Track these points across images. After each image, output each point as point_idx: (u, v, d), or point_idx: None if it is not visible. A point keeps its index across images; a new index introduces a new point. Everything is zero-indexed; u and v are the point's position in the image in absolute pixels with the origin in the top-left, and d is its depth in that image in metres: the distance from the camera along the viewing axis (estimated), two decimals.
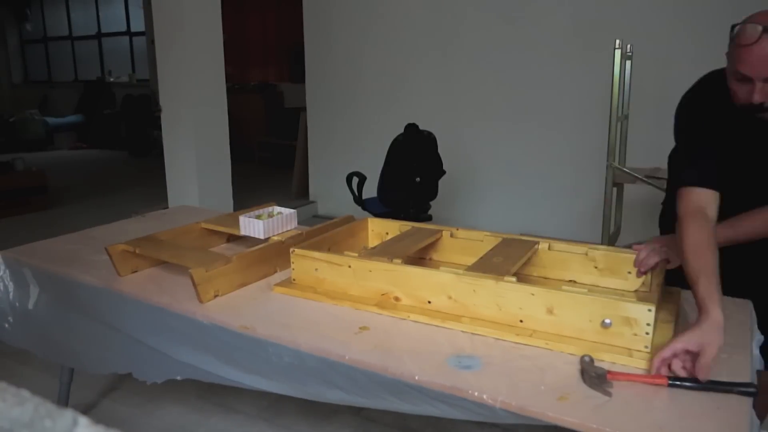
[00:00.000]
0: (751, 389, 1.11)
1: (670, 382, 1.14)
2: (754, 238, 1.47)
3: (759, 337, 1.43)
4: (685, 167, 1.49)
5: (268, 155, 7.87)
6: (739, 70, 1.35)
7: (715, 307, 1.18)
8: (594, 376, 1.16)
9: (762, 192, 1.49)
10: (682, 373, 1.15)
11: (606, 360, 1.24)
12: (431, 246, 1.87)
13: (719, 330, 1.15)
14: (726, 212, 1.46)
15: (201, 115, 4.18)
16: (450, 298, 1.44)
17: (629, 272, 1.61)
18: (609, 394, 1.12)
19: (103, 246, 1.80)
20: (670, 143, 1.68)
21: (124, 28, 10.17)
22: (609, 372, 1.17)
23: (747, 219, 1.48)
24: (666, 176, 3.22)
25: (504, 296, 1.38)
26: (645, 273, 1.56)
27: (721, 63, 1.49)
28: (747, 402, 1.10)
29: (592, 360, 1.20)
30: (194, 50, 4.07)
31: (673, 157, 1.65)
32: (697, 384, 1.13)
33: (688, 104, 1.58)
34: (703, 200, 1.42)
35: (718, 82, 1.48)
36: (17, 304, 1.95)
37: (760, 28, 1.29)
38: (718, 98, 1.48)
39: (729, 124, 1.48)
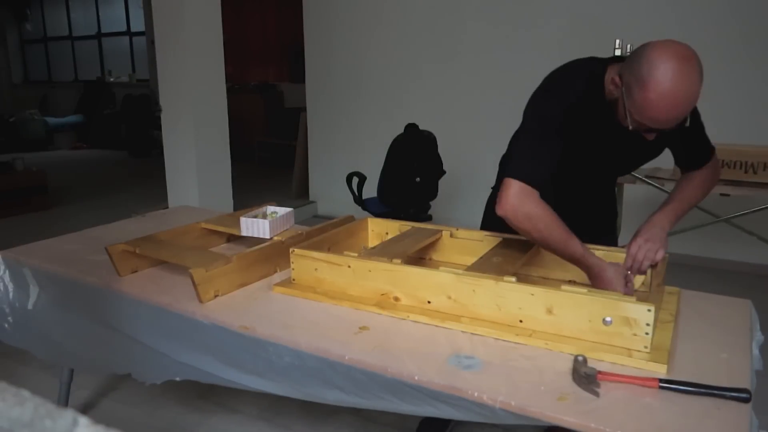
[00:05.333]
0: (745, 395, 1.10)
1: (661, 384, 1.14)
2: (695, 205, 1.67)
3: (759, 337, 1.43)
4: (534, 163, 1.47)
5: (268, 155, 7.87)
6: (643, 121, 1.36)
7: (593, 257, 1.48)
8: (583, 376, 1.16)
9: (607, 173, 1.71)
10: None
11: (606, 360, 1.24)
12: (431, 246, 1.87)
13: (608, 265, 1.47)
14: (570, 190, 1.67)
15: (201, 115, 4.18)
16: (450, 298, 1.44)
17: (629, 272, 1.61)
18: (597, 394, 1.12)
19: (103, 246, 1.80)
20: None
21: (124, 28, 10.18)
22: (600, 372, 1.17)
23: (686, 192, 1.66)
24: (666, 176, 3.23)
25: (504, 296, 1.38)
26: (644, 272, 1.56)
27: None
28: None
29: (585, 360, 1.20)
30: (194, 50, 4.08)
31: (517, 135, 1.68)
32: (689, 388, 1.13)
33: (553, 93, 1.52)
34: (533, 191, 1.45)
35: (588, 78, 1.49)
36: (17, 304, 1.95)
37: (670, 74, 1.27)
38: (588, 98, 1.48)
39: (591, 120, 1.51)
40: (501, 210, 1.44)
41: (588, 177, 1.73)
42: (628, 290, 1.45)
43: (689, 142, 1.66)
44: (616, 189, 1.99)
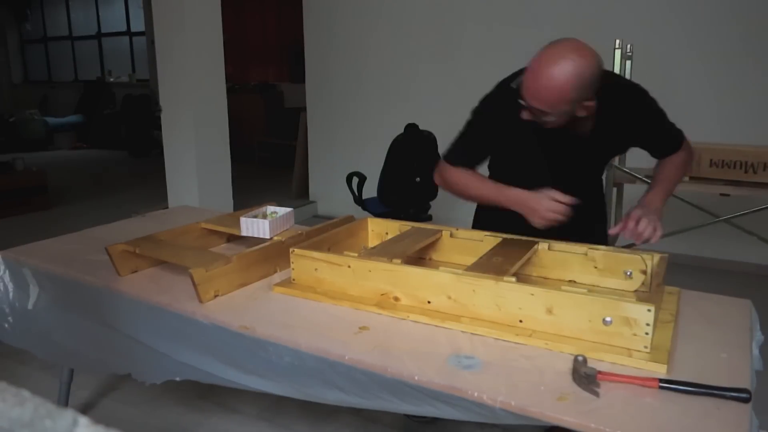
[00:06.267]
0: (745, 395, 1.10)
1: (661, 384, 1.14)
2: (677, 184, 1.77)
3: (759, 337, 1.43)
4: (459, 147, 1.80)
5: (268, 155, 7.87)
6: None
7: (511, 190, 1.67)
8: (583, 376, 1.16)
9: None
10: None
11: (606, 360, 1.24)
12: (431, 246, 1.87)
13: (529, 193, 1.63)
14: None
15: (201, 115, 4.18)
16: (450, 298, 1.44)
17: (629, 272, 1.61)
18: (596, 394, 1.12)
19: (103, 246, 1.80)
20: None
21: (124, 28, 10.18)
22: (599, 372, 1.17)
23: (672, 172, 1.75)
24: None
25: (504, 296, 1.38)
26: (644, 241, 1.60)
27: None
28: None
29: (585, 360, 1.20)
30: (194, 50, 4.08)
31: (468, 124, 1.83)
32: (689, 388, 1.13)
33: (486, 105, 1.79)
34: (450, 166, 1.81)
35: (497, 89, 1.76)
36: (17, 304, 1.95)
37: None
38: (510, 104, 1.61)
39: (519, 126, 1.63)
40: (435, 180, 1.85)
41: (555, 175, 1.74)
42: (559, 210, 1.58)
43: (656, 133, 1.75)
44: (602, 182, 2.04)
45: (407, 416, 2.19)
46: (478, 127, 1.78)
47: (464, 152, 1.79)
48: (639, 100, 1.70)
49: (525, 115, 1.56)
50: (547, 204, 1.58)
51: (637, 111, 1.69)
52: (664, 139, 1.78)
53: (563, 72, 1.44)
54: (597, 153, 1.80)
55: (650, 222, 1.55)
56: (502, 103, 1.67)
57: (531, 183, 1.67)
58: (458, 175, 1.78)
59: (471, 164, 1.80)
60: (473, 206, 1.98)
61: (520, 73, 1.61)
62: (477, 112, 1.78)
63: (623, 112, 1.67)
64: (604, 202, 2.05)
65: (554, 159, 1.74)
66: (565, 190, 1.65)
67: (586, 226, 1.80)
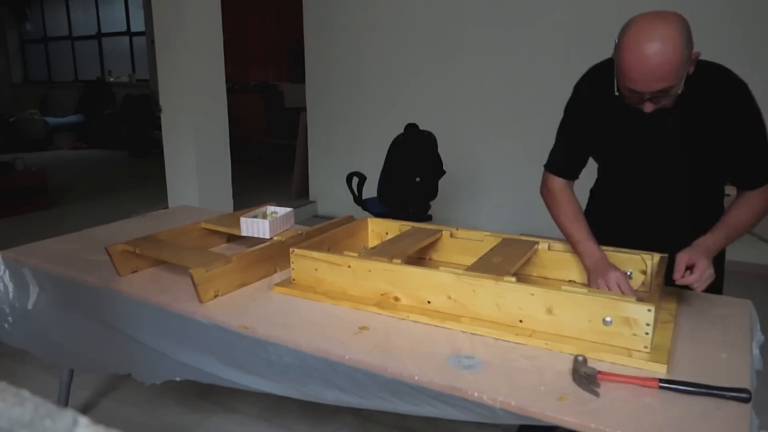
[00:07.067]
0: (745, 395, 1.10)
1: (661, 384, 1.14)
2: (746, 232, 1.55)
3: (759, 337, 1.43)
4: (556, 152, 1.71)
5: (268, 155, 7.87)
6: (626, 85, 1.38)
7: (588, 250, 1.56)
8: (583, 376, 1.16)
9: (656, 168, 1.61)
10: (615, 287, 1.45)
11: (606, 360, 1.24)
12: (431, 246, 1.87)
13: (601, 266, 1.52)
14: (626, 190, 1.69)
15: (201, 115, 4.18)
16: (450, 298, 1.44)
17: (629, 272, 1.61)
18: (596, 394, 1.12)
19: (103, 246, 1.80)
20: None
21: (124, 28, 10.17)
22: (599, 372, 1.17)
23: (740, 217, 1.52)
24: None
25: (503, 296, 1.38)
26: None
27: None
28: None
29: (585, 360, 1.20)
30: (194, 50, 4.08)
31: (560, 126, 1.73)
32: (689, 388, 1.13)
33: (576, 91, 1.65)
34: (564, 184, 1.70)
35: (605, 73, 1.51)
36: (17, 304, 1.95)
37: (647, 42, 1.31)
38: (604, 90, 1.49)
39: (613, 113, 1.53)
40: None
41: (643, 182, 1.65)
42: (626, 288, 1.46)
43: (742, 153, 1.50)
44: (722, 195, 1.72)
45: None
46: (572, 120, 1.66)
47: (562, 156, 1.69)
48: (733, 93, 1.46)
49: (648, 108, 1.39)
50: (613, 278, 1.47)
51: (726, 104, 1.45)
52: (749, 163, 1.51)
53: (666, 38, 1.29)
54: (693, 149, 1.53)
55: (701, 269, 1.39)
56: (595, 87, 1.57)
57: (640, 186, 1.61)
58: (554, 200, 1.68)
59: (570, 170, 1.68)
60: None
61: (597, 72, 1.56)
62: (568, 105, 1.67)
63: (711, 101, 1.46)
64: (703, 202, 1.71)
65: (643, 147, 1.58)
66: (674, 194, 1.58)
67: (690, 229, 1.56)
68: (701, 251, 1.41)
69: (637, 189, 1.67)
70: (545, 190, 1.72)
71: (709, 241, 1.46)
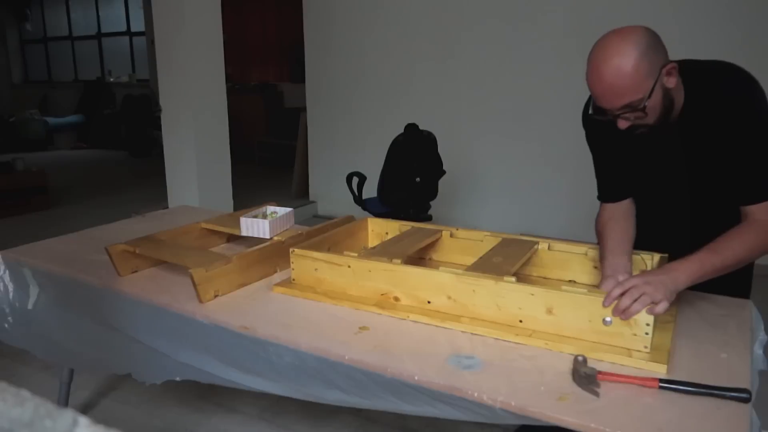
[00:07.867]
0: (745, 395, 1.10)
1: (661, 384, 1.14)
2: (738, 265, 1.35)
3: (762, 337, 1.42)
4: (597, 179, 1.67)
5: (268, 155, 7.87)
6: (594, 103, 1.39)
7: (607, 260, 1.49)
8: (583, 376, 1.16)
9: (670, 189, 1.59)
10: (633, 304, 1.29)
11: (606, 360, 1.24)
12: (431, 246, 1.87)
13: (614, 273, 1.44)
14: (641, 211, 1.62)
15: (201, 115, 4.18)
16: (449, 298, 1.44)
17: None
18: (597, 394, 1.12)
19: (103, 246, 1.79)
20: None
21: (124, 28, 10.17)
22: (600, 372, 1.17)
23: (727, 244, 1.35)
24: None
25: (503, 296, 1.38)
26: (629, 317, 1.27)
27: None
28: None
29: (585, 360, 1.20)
30: (194, 50, 4.08)
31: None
32: (689, 388, 1.13)
33: (584, 116, 1.61)
34: (614, 210, 1.62)
35: None
36: (17, 304, 1.95)
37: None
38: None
39: (619, 134, 1.43)
40: None
41: (643, 192, 1.63)
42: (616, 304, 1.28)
43: (736, 167, 1.41)
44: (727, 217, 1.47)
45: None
46: (591, 147, 1.66)
47: (602, 183, 1.66)
48: (735, 100, 1.39)
49: (621, 125, 1.37)
50: (608, 285, 1.38)
51: (727, 112, 1.39)
52: (741, 177, 1.41)
53: (620, 54, 1.29)
54: (695, 158, 1.49)
55: (644, 298, 1.24)
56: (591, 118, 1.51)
57: (641, 196, 1.60)
58: (599, 236, 1.60)
59: (615, 194, 1.62)
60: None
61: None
62: (591, 135, 1.64)
63: (712, 108, 1.41)
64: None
65: (652, 164, 1.57)
66: (674, 205, 1.57)
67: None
68: (668, 283, 1.27)
69: (638, 199, 1.64)
70: (596, 224, 1.64)
71: (682, 267, 1.31)
